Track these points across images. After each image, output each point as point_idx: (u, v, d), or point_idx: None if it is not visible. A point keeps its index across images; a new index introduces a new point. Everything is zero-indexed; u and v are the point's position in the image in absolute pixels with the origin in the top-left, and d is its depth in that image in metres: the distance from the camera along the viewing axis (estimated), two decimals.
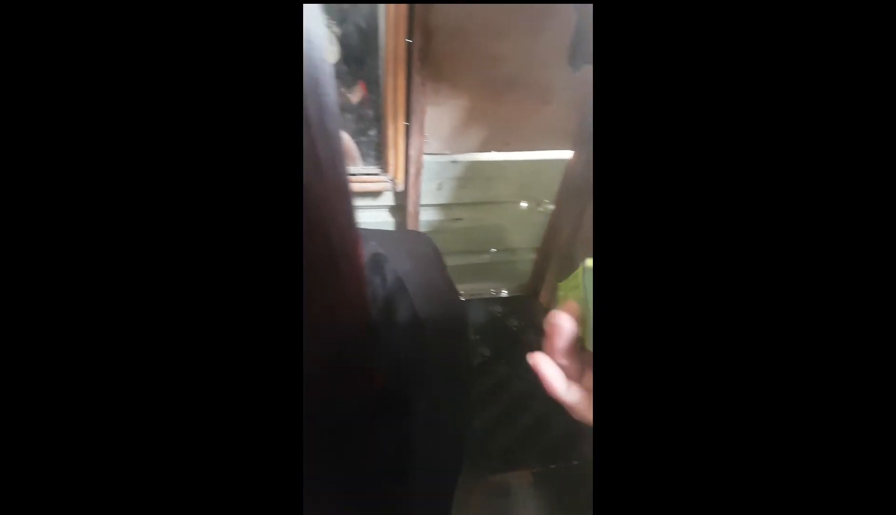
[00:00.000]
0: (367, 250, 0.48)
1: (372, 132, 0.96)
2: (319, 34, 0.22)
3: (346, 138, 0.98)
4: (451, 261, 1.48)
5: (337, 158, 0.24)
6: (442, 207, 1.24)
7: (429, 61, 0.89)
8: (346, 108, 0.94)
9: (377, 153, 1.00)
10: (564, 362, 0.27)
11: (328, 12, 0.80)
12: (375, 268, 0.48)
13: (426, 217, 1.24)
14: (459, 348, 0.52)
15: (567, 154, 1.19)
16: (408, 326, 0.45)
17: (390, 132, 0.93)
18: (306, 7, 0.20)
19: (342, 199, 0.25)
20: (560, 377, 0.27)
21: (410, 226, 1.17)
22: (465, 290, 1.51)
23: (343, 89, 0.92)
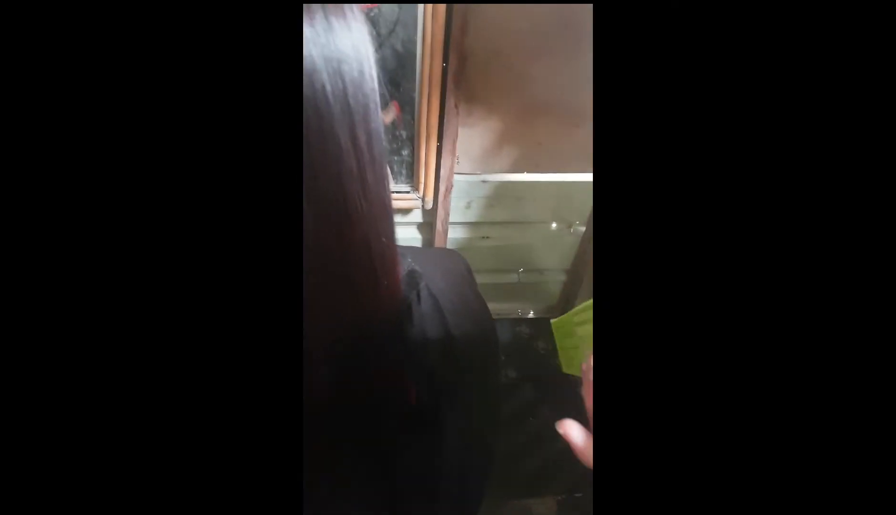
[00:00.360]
0: (403, 267, 0.49)
1: (405, 152, 0.99)
2: (370, 63, 0.23)
3: None
4: (478, 279, 1.47)
5: (382, 180, 0.25)
6: (470, 225, 1.24)
7: (463, 84, 0.91)
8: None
9: (409, 172, 1.02)
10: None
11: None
12: (411, 284, 0.48)
13: (454, 235, 1.25)
14: (490, 365, 0.52)
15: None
16: (440, 341, 0.46)
17: (423, 152, 0.95)
18: (359, 34, 0.21)
19: (385, 218, 0.26)
20: (591, 444, 0.25)
21: (438, 243, 1.18)
22: (491, 309, 1.49)
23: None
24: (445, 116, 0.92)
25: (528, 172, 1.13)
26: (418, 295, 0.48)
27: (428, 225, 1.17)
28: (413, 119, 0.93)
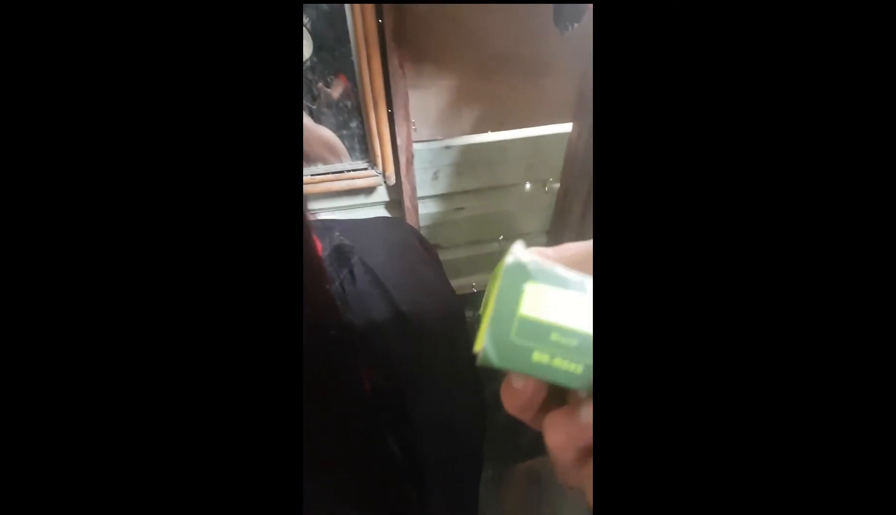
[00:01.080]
0: (327, 242, 0.43)
1: (353, 124, 0.91)
2: None
3: (330, 135, 0.93)
4: (457, 253, 1.43)
5: None
6: (441, 197, 1.18)
7: (405, 42, 0.84)
8: (328, 103, 0.89)
9: (362, 146, 0.95)
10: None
11: None
12: (340, 261, 0.43)
13: (425, 210, 1.19)
14: (456, 339, 0.47)
15: (567, 128, 1.11)
16: (390, 321, 0.40)
17: (373, 122, 0.88)
18: None
19: None
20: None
21: (409, 221, 1.12)
22: (476, 282, 1.45)
23: (322, 85, 0.88)
24: (391, 79, 0.84)
25: (492, 131, 1.06)
26: (351, 273, 0.43)
27: (396, 203, 1.11)
28: (356, 86, 0.85)
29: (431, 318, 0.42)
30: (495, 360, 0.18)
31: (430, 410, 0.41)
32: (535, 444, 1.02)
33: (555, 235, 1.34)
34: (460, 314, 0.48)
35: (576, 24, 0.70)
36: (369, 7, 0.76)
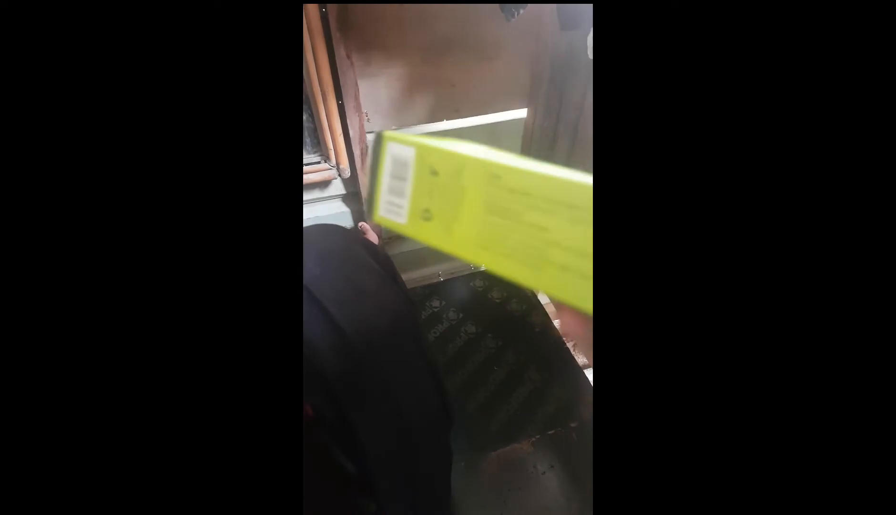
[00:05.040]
0: None
1: (304, 118, 0.88)
2: None
3: None
4: (423, 243, 1.41)
5: None
6: None
7: (351, 31, 0.81)
8: None
9: (314, 139, 0.91)
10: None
11: None
12: None
13: None
14: (405, 347, 0.45)
15: (522, 113, 1.11)
16: (329, 342, 0.38)
17: (322, 114, 0.85)
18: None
19: None
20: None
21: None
22: (442, 271, 1.45)
23: None
24: (339, 69, 0.81)
25: (447, 119, 1.05)
26: None
27: (353, 196, 1.08)
28: (303, 78, 0.82)
29: (375, 332, 0.40)
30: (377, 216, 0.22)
31: (380, 422, 0.40)
32: (505, 431, 1.04)
33: None
34: (410, 320, 0.46)
35: (521, 11, 0.69)
36: None
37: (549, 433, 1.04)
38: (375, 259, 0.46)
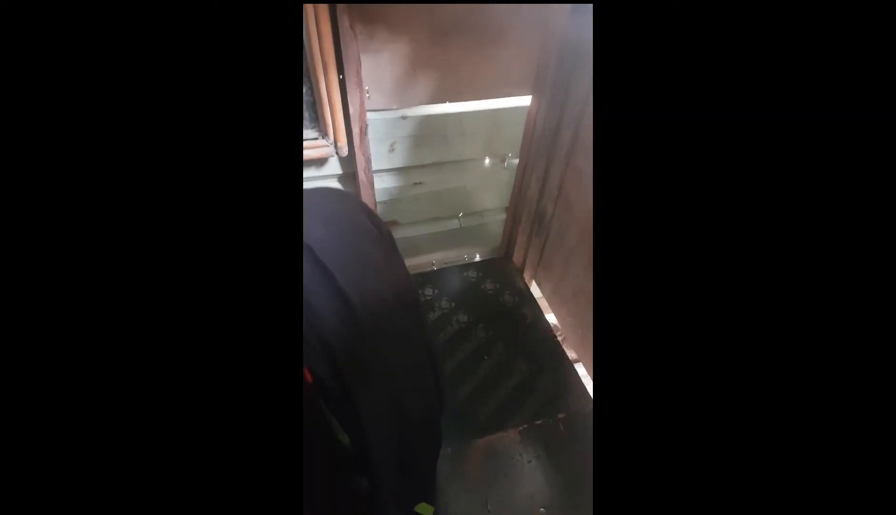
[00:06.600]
0: None
1: (303, 90, 0.85)
2: None
3: None
4: (417, 230, 1.40)
5: None
6: (398, 171, 1.14)
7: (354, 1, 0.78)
8: None
9: (312, 114, 0.89)
10: None
11: None
12: None
13: (382, 184, 1.15)
14: (407, 327, 0.44)
15: (525, 101, 1.10)
16: (335, 310, 0.36)
17: (323, 88, 0.83)
18: None
19: None
20: None
21: (364, 196, 1.08)
22: (436, 260, 1.43)
23: None
24: (342, 41, 0.79)
25: (450, 101, 1.03)
26: None
27: (350, 176, 1.06)
28: (304, 49, 0.79)
29: (380, 306, 0.38)
30: None
31: (379, 400, 0.39)
32: (493, 420, 1.04)
33: (514, 213, 1.34)
34: (413, 296, 0.45)
35: None
36: None
37: (537, 423, 1.04)
38: (379, 229, 0.44)
